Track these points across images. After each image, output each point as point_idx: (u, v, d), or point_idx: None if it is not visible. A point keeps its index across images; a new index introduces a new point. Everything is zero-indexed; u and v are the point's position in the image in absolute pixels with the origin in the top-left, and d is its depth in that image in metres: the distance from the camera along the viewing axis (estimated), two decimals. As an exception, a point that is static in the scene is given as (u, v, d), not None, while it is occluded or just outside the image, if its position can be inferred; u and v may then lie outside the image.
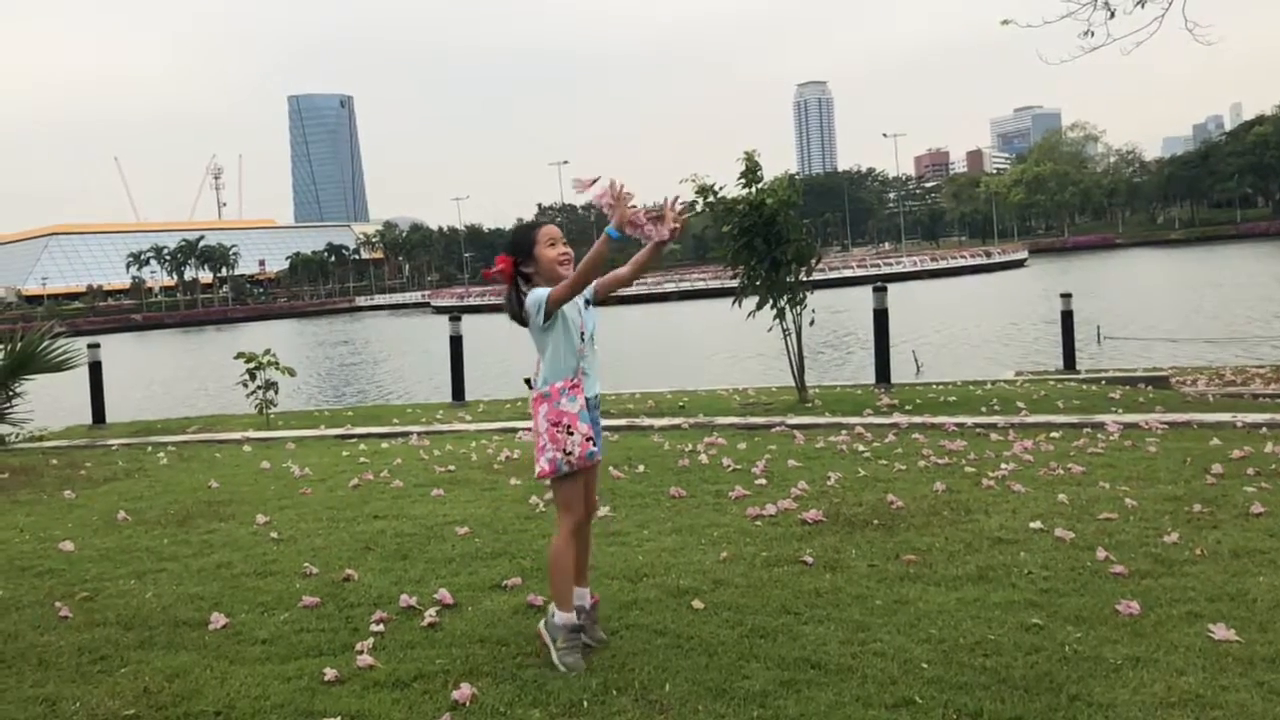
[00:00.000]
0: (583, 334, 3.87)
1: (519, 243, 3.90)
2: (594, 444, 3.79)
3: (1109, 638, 3.81)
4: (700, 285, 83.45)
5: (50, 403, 15.26)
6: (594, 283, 3.88)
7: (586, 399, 3.82)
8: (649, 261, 3.97)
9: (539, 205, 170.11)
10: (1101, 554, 4.78)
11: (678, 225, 3.78)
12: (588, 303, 3.96)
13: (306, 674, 3.78)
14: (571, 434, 3.74)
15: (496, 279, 3.90)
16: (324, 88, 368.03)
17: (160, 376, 39.09)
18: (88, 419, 14.76)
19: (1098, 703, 3.28)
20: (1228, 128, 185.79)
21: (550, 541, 3.98)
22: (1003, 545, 5.10)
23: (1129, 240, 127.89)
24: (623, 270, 4.01)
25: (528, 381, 3.91)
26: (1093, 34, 9.66)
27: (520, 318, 3.87)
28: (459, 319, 15.92)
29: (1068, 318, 15.32)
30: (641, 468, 7.62)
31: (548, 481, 3.93)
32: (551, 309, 3.75)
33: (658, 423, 10.29)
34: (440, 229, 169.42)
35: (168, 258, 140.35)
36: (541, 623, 3.94)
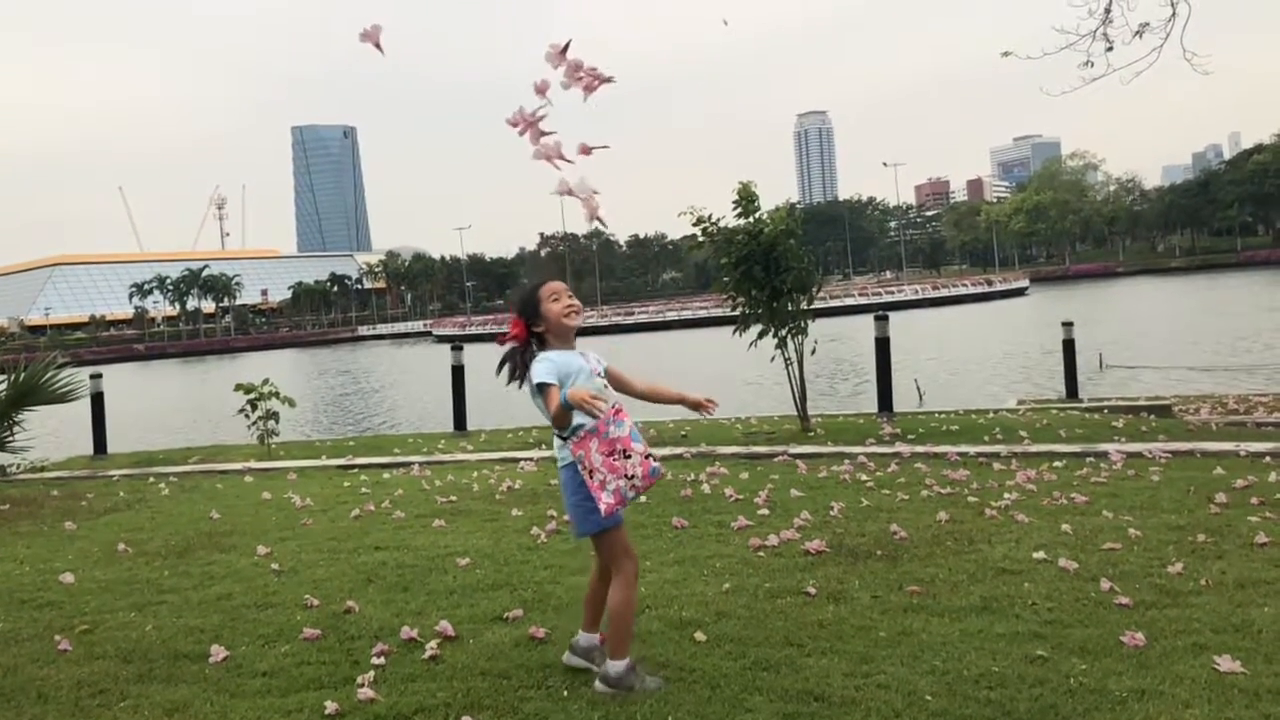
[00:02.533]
0: (596, 370, 3.84)
1: (525, 303, 3.89)
2: (653, 460, 3.68)
3: (1114, 669, 3.79)
4: (702, 314, 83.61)
5: (52, 433, 15.28)
6: (603, 361, 3.94)
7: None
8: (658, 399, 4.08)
9: (540, 234, 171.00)
10: (1106, 584, 4.76)
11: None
12: (599, 360, 3.93)
13: (307, 707, 3.76)
14: (629, 457, 3.63)
15: (513, 344, 3.87)
16: (327, 118, 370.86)
17: (162, 407, 39.08)
18: (89, 449, 14.76)
19: (1104, 736, 3.25)
20: (1227, 156, 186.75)
21: (612, 596, 3.81)
22: (1006, 576, 5.07)
23: (1130, 268, 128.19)
24: (639, 386, 4.04)
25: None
26: (1092, 64, 9.74)
27: (520, 379, 3.83)
28: (461, 348, 15.95)
29: (1069, 346, 15.31)
30: (643, 498, 7.55)
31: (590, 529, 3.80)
32: (548, 401, 3.66)
33: (659, 452, 10.27)
34: (442, 258, 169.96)
35: (170, 287, 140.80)
36: (598, 684, 3.78)
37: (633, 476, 3.63)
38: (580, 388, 3.54)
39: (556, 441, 3.83)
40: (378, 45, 3.53)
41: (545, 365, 3.71)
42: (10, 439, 13.53)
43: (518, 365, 3.85)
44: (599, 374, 3.86)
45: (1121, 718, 3.39)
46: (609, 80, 3.55)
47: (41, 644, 4.74)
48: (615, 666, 3.76)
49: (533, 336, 3.89)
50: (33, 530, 8.02)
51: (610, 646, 3.82)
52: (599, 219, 3.70)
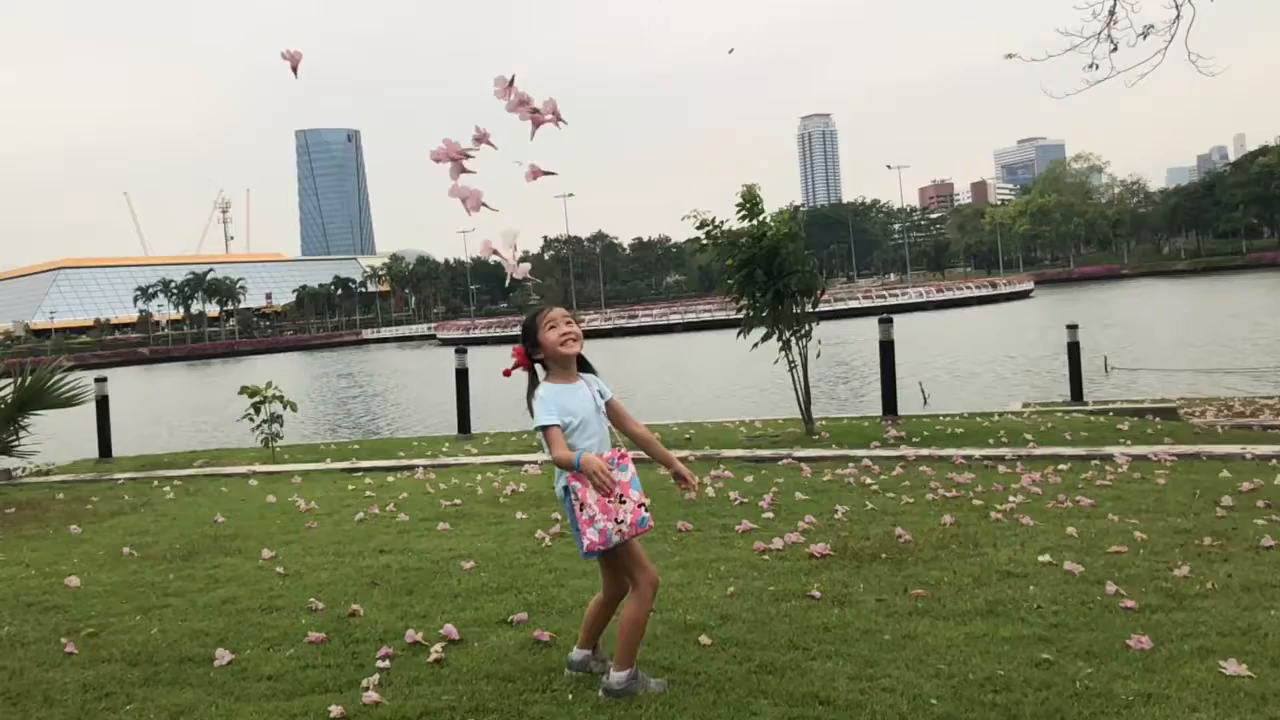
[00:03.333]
0: (596, 405, 3.84)
1: (526, 331, 3.90)
2: (645, 509, 3.74)
3: (1120, 673, 3.78)
4: (706, 317, 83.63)
5: (56, 436, 15.30)
6: (606, 388, 3.95)
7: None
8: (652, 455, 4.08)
9: (544, 238, 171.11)
10: (1111, 588, 4.75)
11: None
12: (600, 394, 3.92)
13: (312, 711, 3.76)
14: (624, 502, 3.68)
15: (518, 371, 3.92)
16: (331, 122, 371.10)
17: (166, 410, 39.14)
18: (94, 453, 14.78)
19: (1110, 740, 3.24)
20: (1232, 158, 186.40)
21: (627, 607, 3.81)
22: (1012, 579, 5.07)
23: (1135, 271, 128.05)
24: (636, 429, 4.06)
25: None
26: (1096, 66, 9.74)
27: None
28: (465, 351, 15.96)
29: (1074, 349, 15.30)
30: (647, 501, 7.58)
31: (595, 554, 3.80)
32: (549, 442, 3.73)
33: (664, 455, 10.25)
34: (446, 261, 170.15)
35: (175, 291, 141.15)
36: (601, 693, 3.77)
37: (622, 521, 3.67)
38: (594, 457, 3.61)
39: None
40: (294, 69, 3.59)
41: (543, 406, 3.74)
42: (16, 443, 13.57)
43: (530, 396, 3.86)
44: (599, 408, 3.85)
45: (1127, 721, 3.38)
46: (554, 121, 3.57)
47: (47, 647, 4.75)
48: (618, 676, 3.76)
49: (536, 363, 3.90)
50: (38, 533, 8.03)
51: (617, 656, 3.81)
52: (521, 276, 3.73)
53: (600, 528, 3.64)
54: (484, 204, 3.54)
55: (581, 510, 3.66)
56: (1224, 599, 4.57)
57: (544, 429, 3.70)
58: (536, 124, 3.53)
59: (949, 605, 4.69)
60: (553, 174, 3.64)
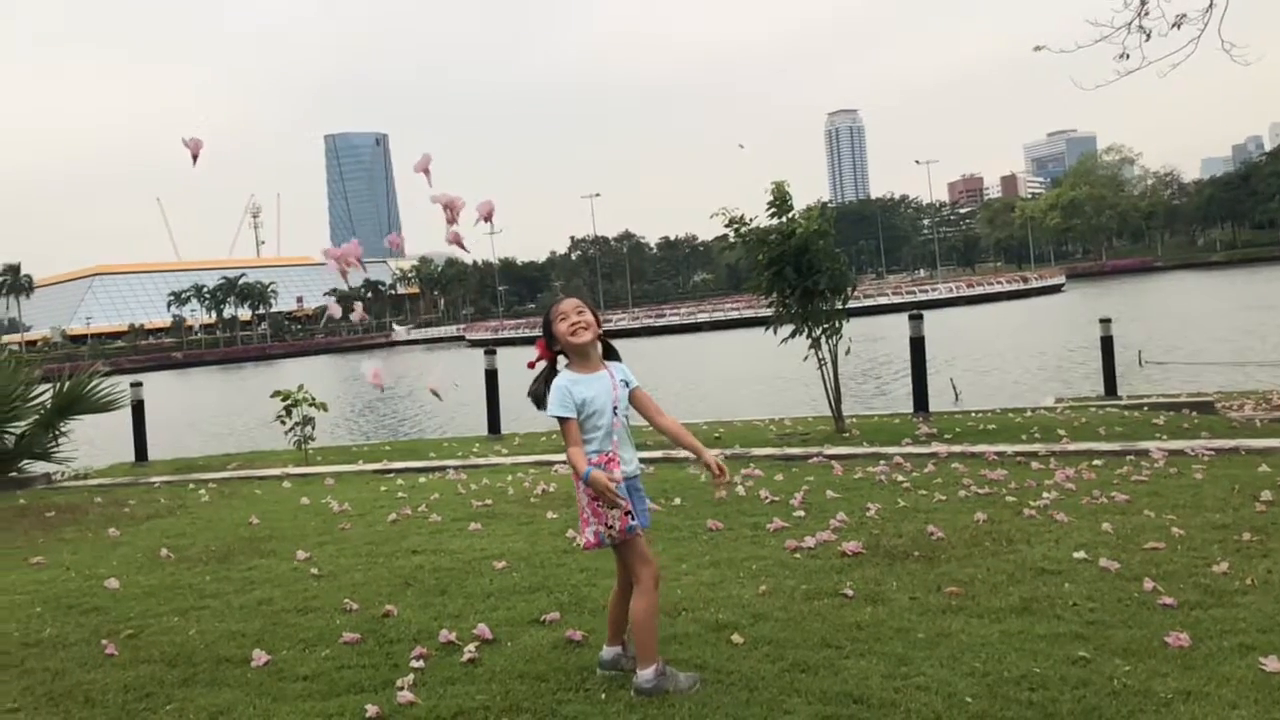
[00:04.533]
0: (616, 409, 3.90)
1: (544, 325, 4.02)
2: (632, 518, 3.81)
3: (1158, 671, 3.74)
4: (734, 315, 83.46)
5: (93, 440, 15.51)
6: (631, 377, 4.01)
7: (625, 474, 3.86)
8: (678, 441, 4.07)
9: (571, 238, 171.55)
10: (1149, 585, 4.70)
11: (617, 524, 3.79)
12: (625, 383, 3.98)
13: (348, 711, 3.80)
14: (612, 508, 3.78)
15: (540, 364, 4.01)
16: (359, 126, 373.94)
17: (200, 414, 39.58)
18: (130, 456, 14.98)
19: (1148, 738, 3.21)
20: (1268, 147, 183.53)
21: (633, 605, 3.87)
22: (1046, 576, 5.02)
23: (1169, 263, 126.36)
24: (664, 421, 4.07)
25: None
26: (1128, 57, 9.63)
27: (541, 401, 3.95)
28: (494, 352, 16.03)
29: (1108, 342, 15.12)
30: (678, 500, 7.60)
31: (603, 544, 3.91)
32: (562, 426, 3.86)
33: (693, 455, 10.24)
34: (474, 263, 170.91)
35: (208, 296, 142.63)
36: (633, 692, 3.80)
37: (611, 526, 3.79)
38: (601, 476, 3.70)
39: None
40: (194, 158, 3.87)
41: (557, 395, 3.86)
42: (56, 448, 13.79)
43: (542, 389, 3.96)
44: (620, 396, 3.91)
45: (1166, 719, 3.34)
46: (487, 219, 3.73)
47: (88, 648, 4.82)
48: (645, 675, 3.78)
49: (557, 354, 4.01)
50: (78, 536, 8.16)
51: (638, 654, 3.84)
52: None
53: (594, 529, 3.83)
54: (359, 260, 3.85)
55: (581, 511, 3.88)
56: (1264, 595, 4.51)
57: (561, 420, 3.85)
58: (451, 219, 3.72)
59: (983, 603, 4.66)
60: (498, 232, 3.90)
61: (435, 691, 3.95)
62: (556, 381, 3.90)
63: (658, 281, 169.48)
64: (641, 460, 4.31)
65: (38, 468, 13.33)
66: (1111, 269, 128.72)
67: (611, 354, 4.06)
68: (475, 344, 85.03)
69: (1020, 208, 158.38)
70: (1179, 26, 9.44)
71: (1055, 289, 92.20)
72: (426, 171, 3.86)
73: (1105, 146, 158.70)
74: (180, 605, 5.53)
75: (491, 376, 15.34)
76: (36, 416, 13.53)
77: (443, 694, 3.92)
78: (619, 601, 4.03)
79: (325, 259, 3.74)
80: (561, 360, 4.02)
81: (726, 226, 11.79)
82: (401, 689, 3.93)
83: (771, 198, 11.47)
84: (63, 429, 13.78)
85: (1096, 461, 8.19)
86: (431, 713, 3.73)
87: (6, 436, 13.37)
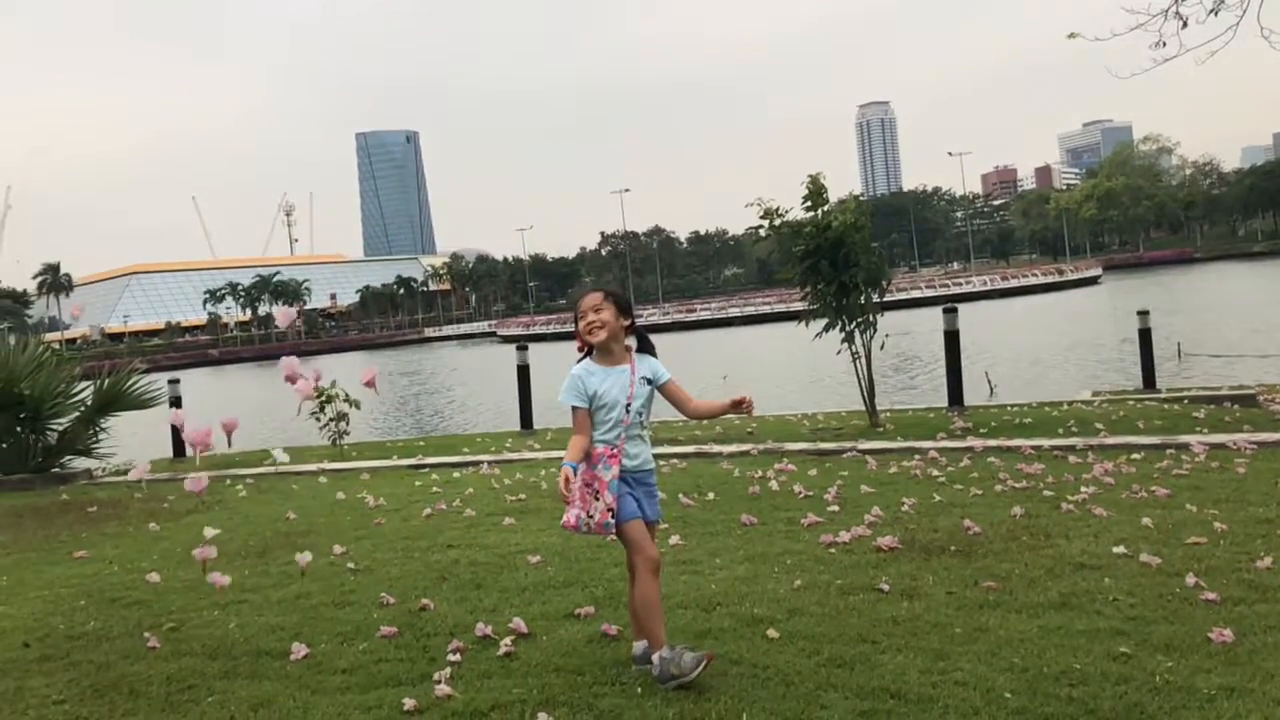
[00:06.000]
0: (629, 406, 3.97)
1: (575, 318, 4.17)
2: (613, 516, 3.89)
3: (1201, 667, 3.69)
4: (765, 309, 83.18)
5: (132, 436, 15.74)
6: (662, 370, 4.09)
7: (629, 469, 3.96)
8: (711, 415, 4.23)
9: (601, 233, 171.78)
10: (1191, 580, 4.63)
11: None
12: (647, 381, 4.06)
13: (386, 704, 3.83)
14: (598, 499, 3.90)
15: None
16: (390, 124, 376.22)
17: (236, 410, 40.00)
18: (168, 453, 15.19)
19: (1192, 735, 3.17)
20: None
21: (632, 591, 3.99)
22: (1085, 571, 4.97)
23: (1208, 254, 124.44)
24: (695, 405, 4.15)
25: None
26: (1164, 45, 9.49)
27: None
28: (526, 348, 16.10)
29: (1145, 335, 14.92)
30: (711, 495, 7.59)
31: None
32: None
33: (726, 449, 10.24)
34: (505, 259, 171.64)
35: (242, 294, 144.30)
36: (658, 678, 3.84)
37: (592, 516, 3.90)
38: (569, 472, 3.86)
39: None
40: (75, 317, 3.87)
41: (569, 383, 4.02)
42: (96, 444, 14.02)
43: None
44: (640, 392, 4.00)
45: (1210, 716, 3.30)
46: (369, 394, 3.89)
47: (131, 641, 4.89)
48: (656, 660, 3.84)
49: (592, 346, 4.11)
50: (119, 531, 8.28)
51: (647, 641, 3.92)
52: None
53: (575, 513, 3.92)
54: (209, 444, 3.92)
55: (572, 494, 3.95)
56: (1310, 591, 4.43)
57: (572, 409, 4.00)
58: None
59: (1021, 598, 4.62)
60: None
61: (472, 685, 3.97)
62: (573, 370, 4.04)
63: (688, 276, 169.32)
64: (673, 455, 4.31)
65: (79, 463, 13.56)
66: (1149, 260, 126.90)
67: (645, 347, 4.12)
68: (507, 340, 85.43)
69: (1055, 199, 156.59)
70: (1217, 13, 9.29)
71: (1091, 281, 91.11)
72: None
73: (1142, 136, 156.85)
74: (220, 599, 5.59)
75: (523, 372, 15.39)
76: (78, 413, 13.77)
77: (479, 687, 3.94)
78: (633, 595, 4.05)
79: (186, 441, 3.85)
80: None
81: (762, 218, 11.72)
82: (439, 682, 3.95)
83: (807, 190, 11.41)
84: (103, 425, 14.01)
85: (1135, 455, 8.09)
86: (469, 706, 3.75)
87: (49, 432, 13.63)
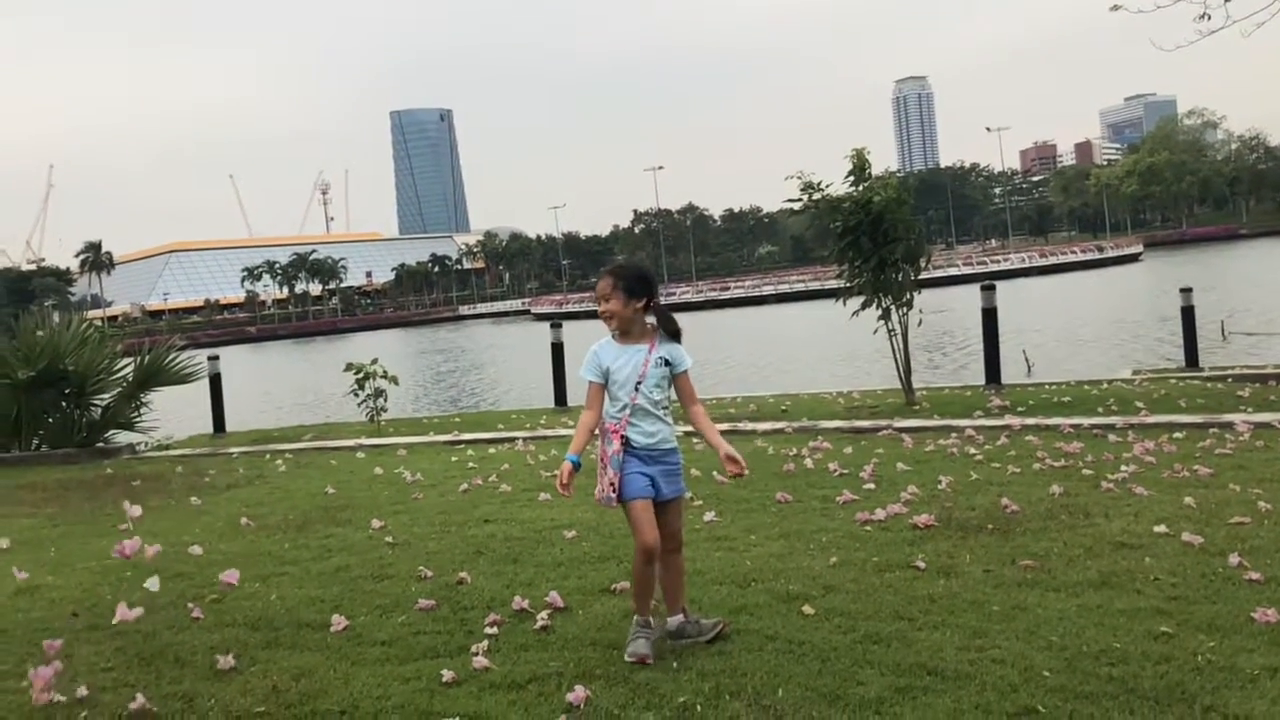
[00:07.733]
0: (639, 384, 4.02)
1: None
2: (614, 489, 3.96)
3: (1244, 647, 3.65)
4: (799, 287, 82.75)
5: (173, 412, 15.98)
6: (683, 359, 4.13)
7: (643, 446, 4.01)
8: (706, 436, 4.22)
9: (634, 211, 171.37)
10: (1234, 559, 4.57)
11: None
12: (664, 361, 4.08)
13: (425, 675, 3.88)
14: (605, 472, 4.01)
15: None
16: (424, 102, 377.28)
17: (275, 386, 40.51)
18: (209, 428, 15.40)
19: (1233, 714, 3.14)
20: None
21: (658, 568, 4.09)
22: (1126, 550, 4.92)
23: (1254, 230, 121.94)
24: (694, 410, 4.19)
25: None
26: (1209, 16, 9.29)
27: None
28: (559, 326, 16.13)
29: (1188, 312, 14.69)
30: (747, 471, 7.56)
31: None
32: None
33: (760, 427, 10.23)
34: (539, 237, 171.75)
35: (280, 271, 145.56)
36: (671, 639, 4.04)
37: (602, 490, 4.03)
38: (569, 467, 3.97)
39: None
40: None
41: (587, 358, 4.15)
42: (139, 419, 14.26)
43: None
44: (653, 374, 4.03)
45: (1253, 696, 3.26)
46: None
47: (176, 612, 4.99)
48: (634, 624, 3.98)
49: None
50: (162, 505, 8.42)
51: (635, 608, 4.05)
52: None
53: (599, 487, 4.05)
54: None
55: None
56: (1357, 571, 4.36)
57: (590, 383, 4.13)
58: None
59: (1059, 576, 4.58)
60: None
61: (509, 658, 4.01)
62: (592, 346, 4.14)
63: (722, 254, 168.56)
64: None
65: (122, 438, 13.80)
66: (1192, 237, 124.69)
67: (673, 334, 4.13)
68: (540, 317, 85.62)
69: (1095, 175, 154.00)
70: (1267, -18, 9.06)
71: (1132, 258, 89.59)
72: None
73: (1186, 110, 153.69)
74: (260, 571, 5.68)
75: (558, 349, 15.44)
76: (120, 389, 14.01)
77: (517, 660, 3.98)
78: (662, 569, 4.08)
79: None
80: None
81: (802, 191, 11.63)
82: (476, 654, 3.99)
83: (851, 165, 11.31)
84: (145, 401, 14.25)
85: (1177, 434, 7.98)
86: (506, 678, 3.79)
87: (93, 408, 13.88)
